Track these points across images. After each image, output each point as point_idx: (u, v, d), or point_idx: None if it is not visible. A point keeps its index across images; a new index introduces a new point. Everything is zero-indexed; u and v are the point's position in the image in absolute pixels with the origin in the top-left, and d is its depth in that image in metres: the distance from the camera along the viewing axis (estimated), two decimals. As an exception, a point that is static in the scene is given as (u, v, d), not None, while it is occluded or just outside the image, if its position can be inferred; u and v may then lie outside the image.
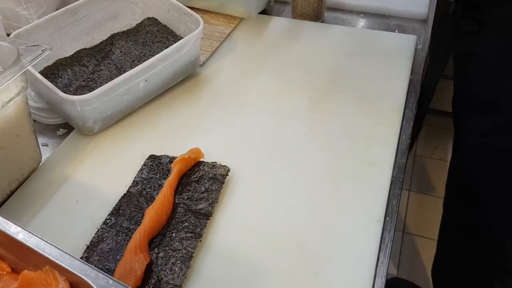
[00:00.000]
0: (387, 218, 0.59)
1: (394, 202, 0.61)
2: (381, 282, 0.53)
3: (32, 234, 0.36)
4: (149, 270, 0.50)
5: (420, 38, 0.89)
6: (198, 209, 0.56)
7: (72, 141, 0.67)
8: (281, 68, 0.81)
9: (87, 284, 0.33)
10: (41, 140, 0.70)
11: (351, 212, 0.59)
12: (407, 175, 1.90)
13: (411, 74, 0.81)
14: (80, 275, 0.33)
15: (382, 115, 0.72)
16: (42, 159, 0.65)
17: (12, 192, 0.60)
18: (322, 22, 0.94)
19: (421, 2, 0.96)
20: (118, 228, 0.54)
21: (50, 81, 0.67)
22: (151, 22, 0.80)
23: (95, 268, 0.35)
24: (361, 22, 0.95)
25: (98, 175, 0.63)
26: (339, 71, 0.80)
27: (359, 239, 0.56)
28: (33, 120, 0.70)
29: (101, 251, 0.52)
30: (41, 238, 0.35)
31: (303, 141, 0.68)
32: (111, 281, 0.33)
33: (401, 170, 0.65)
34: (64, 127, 0.71)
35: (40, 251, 0.34)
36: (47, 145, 0.69)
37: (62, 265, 0.34)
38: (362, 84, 0.77)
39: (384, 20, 0.95)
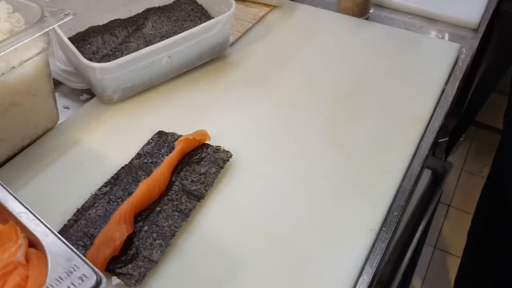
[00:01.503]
0: (383, 229, 0.57)
1: (395, 213, 0.58)
2: (362, 292, 0.51)
3: (3, 187, 0.37)
4: (130, 241, 0.51)
5: (465, 47, 0.84)
6: (192, 190, 0.56)
7: (91, 107, 0.69)
8: (310, 61, 0.79)
9: (41, 245, 0.34)
10: (64, 102, 0.72)
11: (347, 216, 0.57)
12: (449, 190, 1.83)
13: (445, 84, 0.76)
14: (36, 234, 0.34)
15: (404, 122, 0.68)
16: (61, 120, 0.67)
17: (24, 148, 0.63)
18: (367, 19, 0.91)
19: (474, 11, 0.90)
20: (111, 197, 0.56)
21: (79, 47, 0.70)
22: (188, 0, 0.80)
23: (56, 233, 0.36)
24: (407, 23, 0.91)
25: (108, 143, 0.64)
26: (370, 71, 0.77)
27: (348, 245, 0.54)
28: (60, 82, 0.73)
29: (89, 216, 0.53)
30: (10, 193, 0.37)
31: (316, 139, 0.66)
32: (64, 247, 0.34)
33: (411, 181, 0.62)
34: (88, 93, 0.73)
35: (4, 204, 0.36)
36: (68, 108, 0.72)
37: (22, 221, 0.35)
38: (391, 88, 0.74)
39: (431, 24, 0.90)
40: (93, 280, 0.33)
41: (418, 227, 1.16)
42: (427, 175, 1.33)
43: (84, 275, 0.33)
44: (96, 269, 0.33)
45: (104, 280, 0.33)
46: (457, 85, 0.77)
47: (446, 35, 0.87)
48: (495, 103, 1.40)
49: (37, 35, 0.54)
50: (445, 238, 1.67)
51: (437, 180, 1.34)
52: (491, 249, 0.89)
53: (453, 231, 1.67)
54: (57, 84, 0.74)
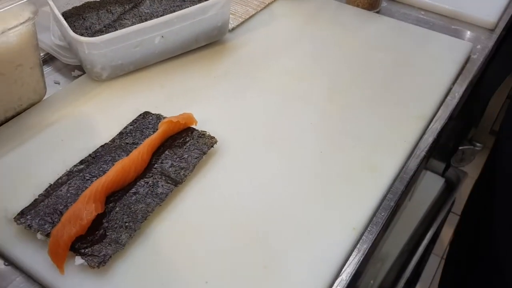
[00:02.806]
0: (368, 229, 0.53)
1: (383, 214, 0.55)
2: (337, 293, 0.48)
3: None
4: (99, 222, 0.49)
5: (479, 47, 0.80)
6: (171, 173, 0.54)
7: (80, 83, 0.68)
8: (312, 52, 0.76)
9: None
10: (55, 77, 0.71)
11: (330, 213, 0.54)
12: (462, 200, 1.77)
13: (453, 84, 0.73)
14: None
15: (402, 121, 0.65)
16: (48, 95, 0.66)
17: (7, 120, 0.61)
18: (378, 12, 0.88)
19: (492, 10, 0.86)
20: (85, 175, 0.54)
21: (72, 21, 0.69)
22: (189, -19, 0.78)
23: None
24: (420, 19, 0.87)
25: (92, 121, 0.62)
26: (373, 65, 0.74)
27: (327, 243, 0.51)
28: (54, 57, 0.72)
29: (60, 193, 0.51)
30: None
31: (307, 131, 0.63)
32: None
33: (404, 182, 0.59)
34: (80, 70, 0.71)
35: None
36: (59, 83, 0.70)
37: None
38: (393, 84, 0.71)
39: (445, 22, 0.86)
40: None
41: (426, 235, 1.13)
42: (440, 183, 1.29)
43: None
44: None
45: None
46: (465, 86, 0.73)
47: (459, 34, 0.83)
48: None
49: (19, 3, 0.52)
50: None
51: (449, 188, 1.30)
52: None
53: (460, 241, 1.61)
54: (50, 58, 0.73)
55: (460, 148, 1.67)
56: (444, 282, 1.07)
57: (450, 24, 0.86)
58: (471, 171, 1.80)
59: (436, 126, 0.66)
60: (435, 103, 0.68)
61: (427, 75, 0.72)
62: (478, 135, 1.71)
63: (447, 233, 1.68)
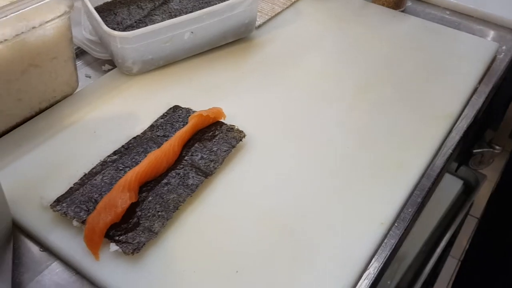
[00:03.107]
0: (396, 224, 0.54)
1: (410, 210, 0.56)
2: (366, 284, 0.49)
3: None
4: (132, 210, 0.50)
5: (505, 48, 0.80)
6: (200, 165, 0.55)
7: (111, 77, 0.69)
8: (337, 50, 0.77)
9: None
10: (86, 71, 0.72)
11: (358, 208, 0.54)
12: (480, 203, 1.76)
13: (479, 83, 0.73)
14: None
15: (429, 119, 0.65)
16: (81, 88, 0.67)
17: (42, 111, 0.63)
18: (403, 11, 0.88)
19: (519, 10, 0.86)
20: (119, 165, 0.55)
21: (104, 16, 0.70)
22: (218, -22, 0.79)
23: None
24: (445, 19, 0.87)
25: (123, 114, 0.64)
26: (399, 64, 0.74)
27: (357, 236, 0.52)
28: (85, 51, 0.73)
29: (95, 182, 0.53)
30: None
31: (333, 127, 0.64)
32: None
33: (430, 179, 0.59)
34: (110, 64, 0.73)
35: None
36: (90, 77, 0.72)
37: None
38: (419, 82, 0.71)
39: (470, 22, 0.86)
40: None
41: (444, 237, 1.12)
42: (458, 185, 1.29)
43: None
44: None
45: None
46: (491, 85, 0.73)
47: (484, 34, 0.83)
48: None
49: (58, -4, 0.54)
50: (470, 251, 1.61)
51: (468, 190, 1.30)
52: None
53: (478, 244, 1.60)
54: (81, 53, 0.75)
55: (479, 150, 1.66)
56: (459, 285, 1.06)
57: (475, 24, 0.86)
58: (490, 174, 1.78)
59: (462, 124, 0.66)
60: (462, 102, 0.68)
61: (453, 74, 0.73)
62: (497, 138, 1.70)
63: (464, 236, 1.67)
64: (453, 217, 1.18)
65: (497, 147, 1.76)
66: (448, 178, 1.26)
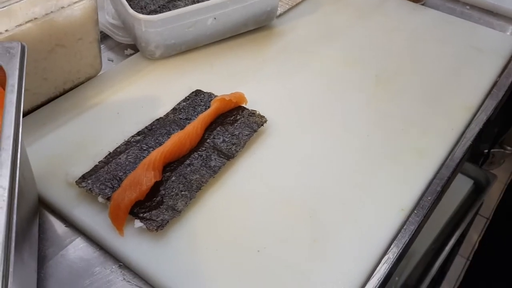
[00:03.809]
0: (415, 211, 0.54)
1: (429, 198, 0.56)
2: (385, 268, 0.49)
3: None
4: (156, 189, 0.51)
5: (524, 42, 0.80)
6: (223, 148, 0.56)
7: (134, 61, 0.70)
8: (357, 40, 0.77)
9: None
10: (108, 55, 0.73)
11: (378, 194, 0.55)
12: (490, 203, 1.75)
13: (498, 77, 0.73)
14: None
15: (449, 109, 0.66)
16: (103, 71, 0.68)
17: (66, 92, 0.64)
18: (423, 5, 0.88)
19: (539, 5, 0.86)
20: (143, 145, 0.56)
21: (128, 0, 0.70)
22: (240, -33, 0.79)
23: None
24: (465, 14, 0.87)
25: (145, 97, 0.65)
26: (419, 55, 0.74)
27: (377, 222, 0.52)
28: (108, 36, 0.74)
29: (119, 161, 0.53)
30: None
31: (354, 114, 0.64)
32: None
33: (450, 169, 0.60)
34: (132, 48, 0.74)
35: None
36: (112, 60, 0.72)
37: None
38: (439, 73, 0.71)
39: (490, 17, 0.86)
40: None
41: (453, 236, 1.12)
42: (468, 184, 1.28)
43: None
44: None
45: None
46: (511, 79, 0.73)
47: (504, 29, 0.83)
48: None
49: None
50: (479, 251, 1.61)
51: (478, 190, 1.29)
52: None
53: (487, 244, 1.60)
54: (104, 37, 0.75)
55: (490, 151, 1.65)
56: (467, 284, 1.06)
57: (494, 19, 0.86)
58: (500, 174, 1.78)
59: (482, 116, 0.66)
60: (482, 94, 0.69)
61: (473, 67, 0.73)
62: (509, 138, 1.69)
63: (473, 235, 1.67)
64: (463, 216, 1.18)
65: (508, 148, 1.76)
66: (459, 177, 1.26)
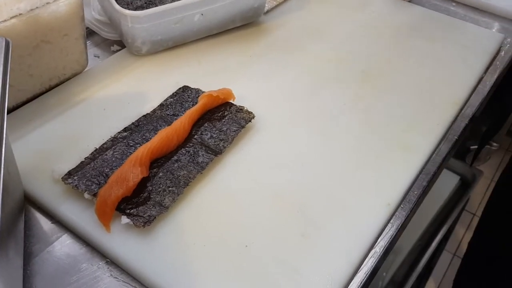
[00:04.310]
0: (401, 206, 0.55)
1: (415, 192, 0.56)
2: (372, 262, 0.49)
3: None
4: (143, 185, 0.51)
5: (508, 39, 0.80)
6: (210, 144, 0.56)
7: (120, 57, 0.70)
8: (344, 36, 0.77)
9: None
10: (95, 51, 0.73)
11: (365, 189, 0.55)
12: (476, 199, 1.77)
13: (484, 73, 0.74)
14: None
15: (435, 105, 0.66)
16: (88, 67, 0.68)
17: (51, 88, 0.63)
18: (409, 1, 0.89)
19: (523, 3, 0.87)
20: (129, 142, 0.55)
21: (114, -4, 0.70)
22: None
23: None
24: (450, 11, 0.88)
25: (132, 93, 0.64)
26: (405, 51, 0.75)
27: (363, 216, 0.52)
28: (94, 32, 0.73)
29: (106, 157, 0.53)
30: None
31: (341, 110, 0.64)
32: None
33: (435, 164, 0.60)
34: (119, 45, 0.73)
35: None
36: (98, 57, 0.72)
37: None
38: (425, 69, 0.72)
39: (476, 14, 0.87)
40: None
41: (439, 231, 1.13)
42: (455, 180, 1.30)
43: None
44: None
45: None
46: (496, 75, 0.74)
47: (490, 26, 0.84)
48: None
49: (73, -28, 0.54)
50: (466, 246, 1.63)
51: (464, 186, 1.31)
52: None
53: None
54: (90, 33, 0.75)
55: (476, 147, 1.66)
56: (460, 282, 1.07)
57: (480, 16, 0.87)
58: (487, 170, 1.80)
59: (468, 112, 0.67)
60: (467, 90, 0.69)
61: (459, 63, 0.73)
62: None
63: (460, 231, 1.69)
64: (449, 212, 1.19)
65: (494, 144, 1.78)
66: (445, 173, 1.27)
